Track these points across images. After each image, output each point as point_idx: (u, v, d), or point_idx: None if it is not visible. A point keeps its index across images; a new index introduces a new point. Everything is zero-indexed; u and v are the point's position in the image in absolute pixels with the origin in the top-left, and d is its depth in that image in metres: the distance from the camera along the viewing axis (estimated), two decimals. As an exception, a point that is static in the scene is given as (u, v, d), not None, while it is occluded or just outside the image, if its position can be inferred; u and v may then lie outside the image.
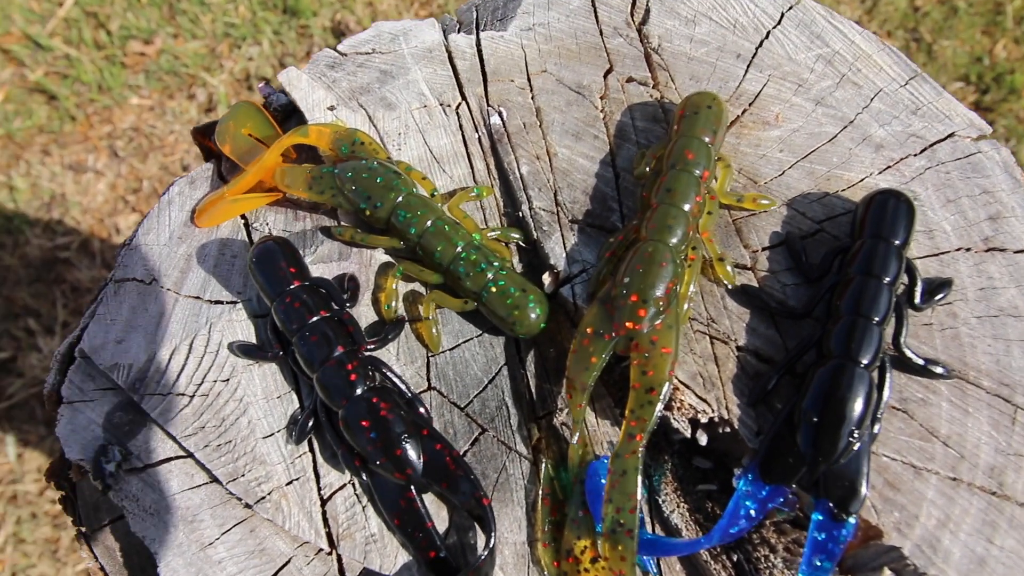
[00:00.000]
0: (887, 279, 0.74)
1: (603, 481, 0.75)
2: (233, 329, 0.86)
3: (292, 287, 0.81)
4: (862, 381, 0.70)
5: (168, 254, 0.91)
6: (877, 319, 0.72)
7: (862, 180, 0.86)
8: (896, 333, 0.74)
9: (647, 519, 0.78)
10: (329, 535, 0.78)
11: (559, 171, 0.90)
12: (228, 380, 0.84)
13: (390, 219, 0.84)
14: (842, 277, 0.76)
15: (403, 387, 0.80)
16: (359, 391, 0.77)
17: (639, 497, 0.72)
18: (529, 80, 0.95)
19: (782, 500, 0.70)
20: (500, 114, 0.93)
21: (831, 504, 0.68)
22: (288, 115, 1.03)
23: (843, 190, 0.86)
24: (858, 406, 0.69)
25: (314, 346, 0.78)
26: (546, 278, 0.84)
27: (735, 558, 0.75)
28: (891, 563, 0.70)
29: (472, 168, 0.92)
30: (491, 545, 0.73)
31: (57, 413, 0.85)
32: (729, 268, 0.81)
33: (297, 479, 0.80)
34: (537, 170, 0.90)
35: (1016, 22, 1.82)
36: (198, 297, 0.88)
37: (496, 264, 0.82)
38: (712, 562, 0.75)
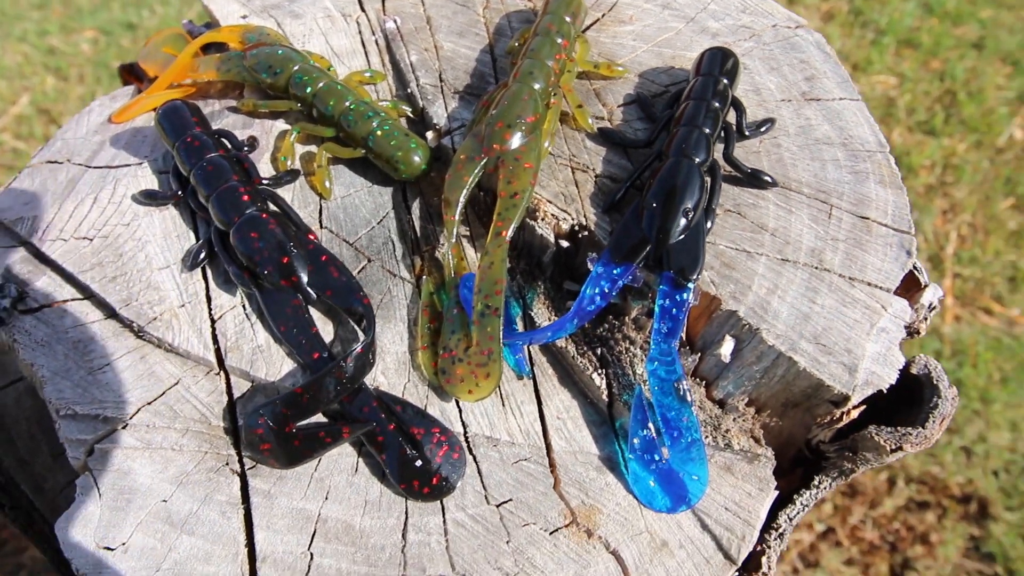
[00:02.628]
0: (715, 103, 0.82)
1: (469, 288, 0.79)
2: (139, 184, 0.89)
3: (193, 131, 0.85)
4: (694, 172, 0.77)
5: (84, 142, 0.95)
6: (707, 130, 0.80)
7: (700, 57, 0.97)
8: (725, 147, 0.82)
9: (519, 327, 0.81)
10: (218, 352, 0.78)
11: (444, 58, 0.98)
12: (129, 224, 0.86)
13: (288, 85, 0.90)
14: (677, 108, 0.85)
15: (295, 217, 0.83)
16: (250, 211, 0.80)
17: (504, 281, 0.75)
18: (420, -2, 1.05)
19: (630, 277, 0.75)
20: (395, 21, 1.02)
21: (672, 274, 0.73)
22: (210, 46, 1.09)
23: (685, 66, 0.96)
24: (693, 188, 0.75)
25: (210, 175, 0.82)
26: (430, 134, 0.91)
27: (599, 352, 0.78)
28: (731, 329, 0.74)
29: (368, 63, 1.00)
30: (371, 337, 0.75)
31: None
32: (589, 118, 0.89)
33: (189, 302, 0.81)
34: (425, 58, 0.98)
35: (907, 113, 2.04)
36: (107, 166, 0.91)
37: (382, 115, 0.88)
38: (579, 358, 0.78)
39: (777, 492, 0.73)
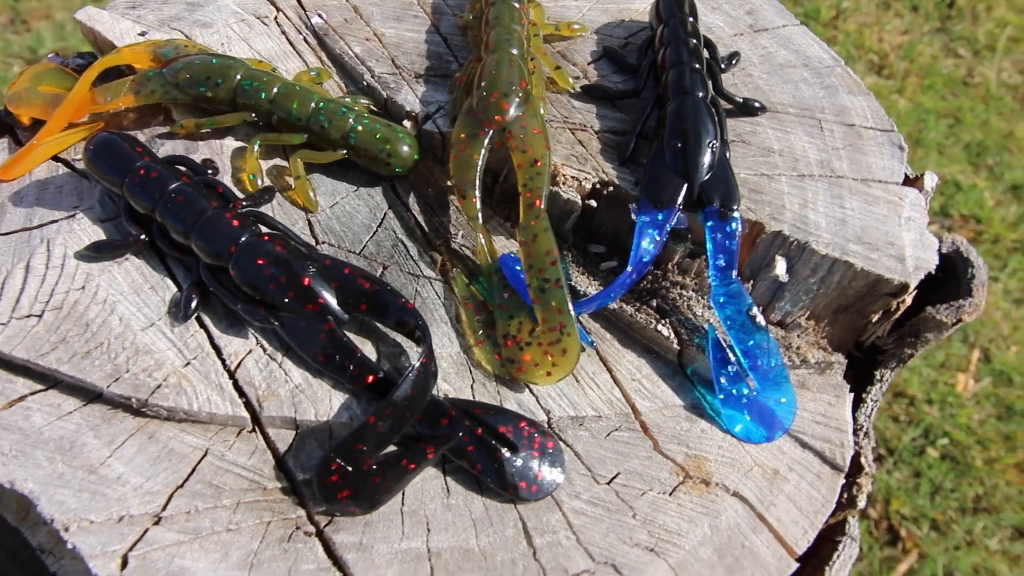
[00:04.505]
0: (692, 41, 0.81)
1: (517, 268, 0.72)
2: (77, 239, 0.72)
3: (143, 161, 0.70)
4: (702, 106, 0.75)
5: None
6: (697, 65, 0.78)
7: (645, 8, 0.95)
8: (714, 82, 0.81)
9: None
10: (248, 404, 0.65)
11: (391, 45, 0.89)
12: (84, 287, 0.69)
13: (235, 95, 0.77)
14: (657, 54, 0.82)
15: (294, 235, 0.71)
16: (246, 236, 0.67)
17: (556, 251, 0.69)
18: (338, -11, 0.95)
19: (676, 219, 0.71)
20: (320, 15, 0.91)
21: (716, 207, 0.71)
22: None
23: (634, 17, 0.94)
24: (707, 122, 0.73)
25: (182, 207, 0.67)
26: (407, 123, 0.81)
27: (655, 304, 0.74)
28: (778, 250, 0.73)
29: (305, 63, 0.88)
30: (429, 342, 0.65)
31: None
32: (568, 76, 0.84)
33: (195, 358, 0.66)
34: (370, 48, 0.88)
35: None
36: (24, 228, 0.73)
37: (356, 109, 0.78)
38: (637, 314, 0.73)
39: (852, 394, 0.73)
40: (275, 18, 0.91)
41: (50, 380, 0.66)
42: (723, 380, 0.70)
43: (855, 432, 0.73)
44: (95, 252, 0.69)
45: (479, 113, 0.75)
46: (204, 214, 0.67)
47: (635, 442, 0.68)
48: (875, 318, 0.74)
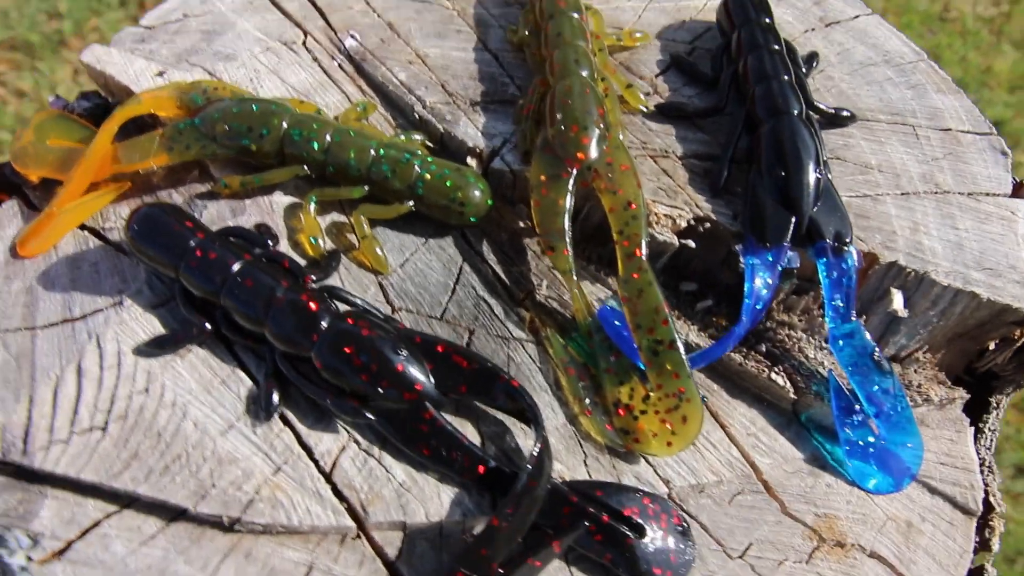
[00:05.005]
0: (775, 46, 0.73)
1: (617, 323, 0.65)
2: (130, 330, 0.63)
3: (197, 239, 0.61)
4: (800, 127, 0.68)
5: None
6: (785, 77, 0.71)
7: (705, 4, 0.87)
8: (805, 94, 0.74)
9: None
10: (350, 509, 0.58)
11: (437, 68, 0.79)
12: (148, 389, 0.61)
13: (283, 146, 0.68)
14: (737, 64, 0.74)
15: (371, 309, 0.63)
16: (326, 321, 0.59)
17: (666, 307, 0.62)
18: (368, 3, 0.85)
19: (787, 258, 0.65)
20: (353, 36, 0.81)
21: (829, 242, 0.64)
22: (98, 119, 0.81)
23: (695, 16, 0.86)
24: (809, 145, 0.67)
25: (252, 292, 0.59)
26: (471, 162, 0.73)
27: (763, 349, 0.68)
28: (892, 282, 0.68)
29: (344, 93, 0.79)
30: (541, 425, 0.59)
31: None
32: (640, 94, 0.76)
33: (285, 463, 0.59)
34: (415, 73, 0.79)
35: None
36: (65, 320, 0.64)
37: (419, 153, 0.69)
38: (746, 362, 0.68)
39: (972, 428, 0.69)
40: (303, 43, 0.81)
41: (124, 498, 0.58)
42: (848, 431, 0.65)
43: (980, 470, 0.69)
44: (155, 348, 0.61)
45: (558, 150, 0.67)
46: (276, 298, 0.59)
47: (761, 505, 0.64)
48: (992, 345, 0.70)
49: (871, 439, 0.65)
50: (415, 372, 0.59)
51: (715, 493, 0.64)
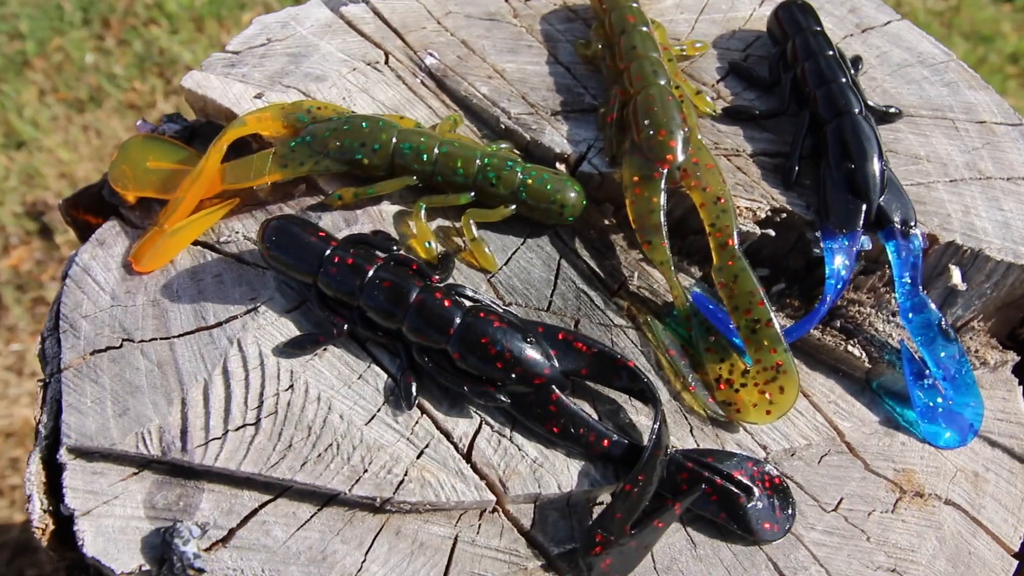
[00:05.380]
0: (829, 52, 0.80)
1: (711, 306, 0.72)
2: (268, 334, 0.68)
3: (332, 248, 0.66)
4: (862, 123, 0.75)
5: (124, 313, 0.70)
6: (844, 80, 0.78)
7: (751, 14, 0.94)
8: (860, 94, 0.81)
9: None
10: (490, 485, 0.64)
11: (516, 82, 0.85)
12: (292, 386, 0.65)
13: (393, 159, 0.73)
14: (795, 69, 0.81)
15: (492, 303, 0.69)
16: (460, 316, 0.64)
17: (760, 290, 0.69)
18: (440, 23, 0.90)
19: (861, 242, 0.72)
20: (432, 55, 0.87)
21: (897, 226, 0.71)
22: (188, 141, 0.85)
23: (743, 25, 0.93)
24: (872, 139, 0.74)
25: (390, 292, 0.64)
26: (560, 167, 0.79)
27: (838, 324, 0.75)
28: (949, 259, 0.75)
29: (431, 108, 0.84)
30: (659, 400, 0.65)
31: (75, 536, 0.60)
32: (708, 98, 0.82)
33: (426, 446, 0.64)
34: (496, 87, 0.84)
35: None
36: (200, 328, 0.69)
37: (518, 161, 0.75)
38: (824, 337, 0.74)
39: (1022, 387, 0.77)
40: (386, 62, 0.86)
41: (276, 488, 0.63)
42: (920, 394, 0.72)
43: (1031, 422, 0.76)
44: (295, 348, 0.66)
45: (647, 153, 0.73)
46: (414, 297, 0.64)
47: (846, 464, 0.70)
48: (1037, 312, 0.77)
49: (939, 400, 0.72)
50: (543, 358, 0.64)
51: (806, 455, 0.70)
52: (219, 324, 0.68)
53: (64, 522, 0.62)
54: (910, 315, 0.72)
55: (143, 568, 0.58)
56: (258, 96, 0.81)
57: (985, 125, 0.84)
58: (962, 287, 0.74)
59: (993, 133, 0.83)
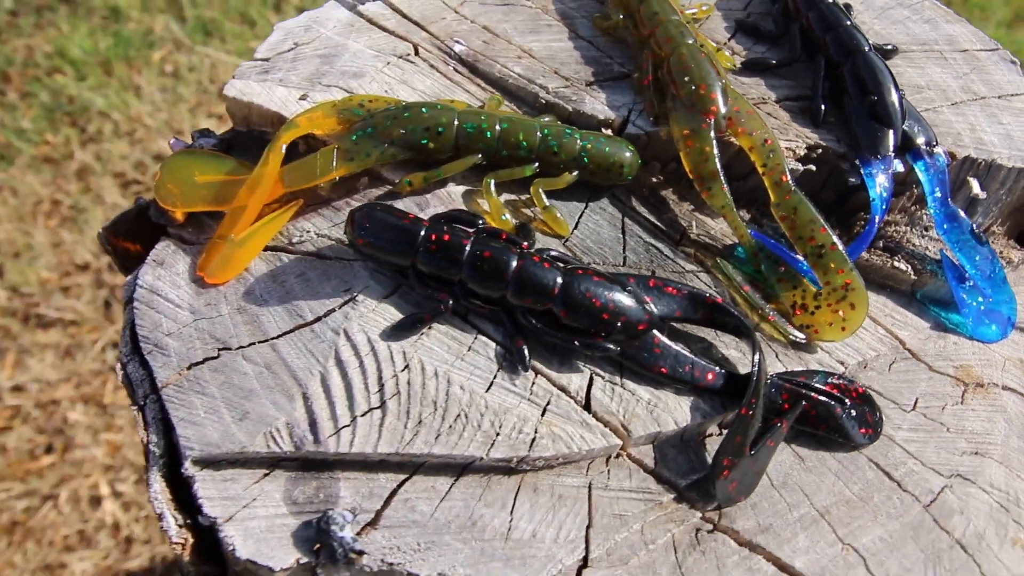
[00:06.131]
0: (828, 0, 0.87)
1: (772, 241, 0.76)
2: (372, 320, 0.68)
3: (426, 227, 0.67)
4: (874, 58, 0.81)
5: (211, 324, 0.69)
6: (848, 22, 0.85)
7: (743, -23, 1.00)
8: (863, 34, 0.88)
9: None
10: (614, 430, 0.66)
11: (545, 59, 0.88)
12: (408, 366, 0.66)
13: (457, 140, 0.75)
14: (801, 20, 0.87)
15: (585, 263, 0.71)
16: (560, 276, 0.67)
17: (820, 218, 0.74)
18: (457, 12, 0.92)
19: (894, 164, 0.78)
20: (459, 42, 0.89)
21: (922, 147, 0.78)
22: (226, 151, 0.85)
23: (738, -13, 0.99)
24: (887, 72, 0.80)
25: (491, 263, 0.66)
26: (606, 132, 0.82)
27: (880, 244, 0.81)
28: (968, 172, 0.82)
29: (468, 92, 0.86)
30: (751, 330, 0.69)
31: (224, 544, 0.59)
32: (727, 54, 0.87)
33: (548, 403, 0.66)
34: (528, 65, 0.87)
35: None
36: (299, 326, 0.68)
37: (573, 128, 0.78)
38: (871, 256, 0.80)
39: (1040, 278, 0.85)
40: (416, 54, 0.88)
41: (409, 467, 0.64)
42: (964, 296, 0.78)
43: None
44: (403, 330, 0.67)
45: (690, 107, 0.78)
46: (514, 265, 0.66)
47: (913, 368, 0.76)
48: (1042, 212, 0.86)
49: (980, 300, 0.79)
50: (643, 305, 0.68)
51: (876, 365, 0.75)
52: (318, 319, 0.68)
53: (202, 534, 0.61)
54: (945, 225, 0.78)
55: (300, 561, 0.58)
56: (303, 98, 0.81)
57: (968, 53, 0.93)
58: (982, 195, 0.82)
59: (976, 59, 0.92)
